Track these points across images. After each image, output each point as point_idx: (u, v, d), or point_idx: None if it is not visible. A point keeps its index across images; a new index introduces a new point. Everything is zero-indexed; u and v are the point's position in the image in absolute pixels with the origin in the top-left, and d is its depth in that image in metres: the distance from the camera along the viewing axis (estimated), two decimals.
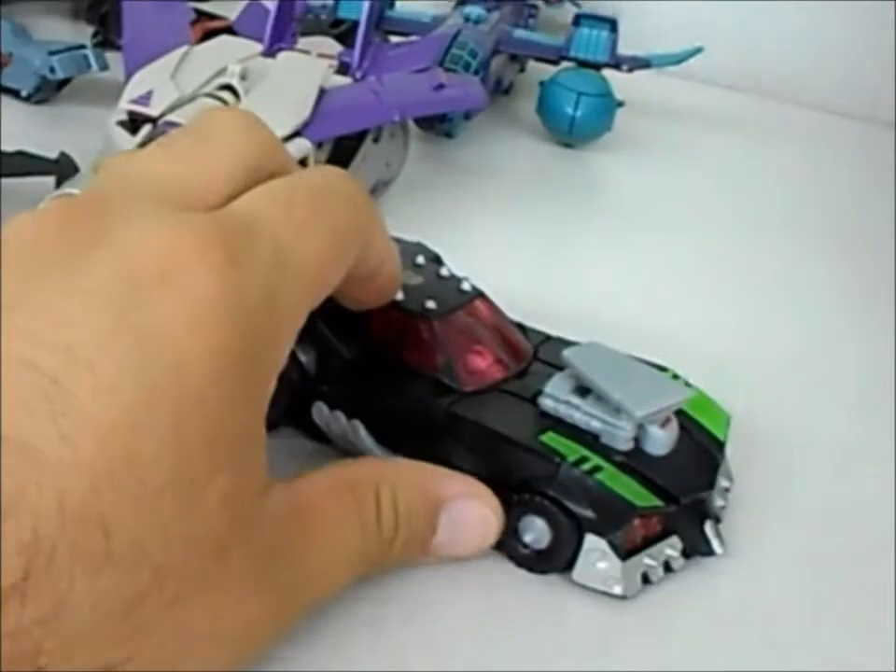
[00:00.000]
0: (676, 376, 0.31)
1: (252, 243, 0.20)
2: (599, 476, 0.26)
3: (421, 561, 0.26)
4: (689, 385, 0.30)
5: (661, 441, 0.27)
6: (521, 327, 0.32)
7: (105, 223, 0.19)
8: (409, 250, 0.31)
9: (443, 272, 0.31)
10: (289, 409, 0.28)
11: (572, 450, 0.26)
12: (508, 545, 0.27)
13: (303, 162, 0.39)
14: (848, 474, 0.33)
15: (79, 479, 0.16)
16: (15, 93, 0.52)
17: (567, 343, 0.30)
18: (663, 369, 0.30)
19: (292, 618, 0.22)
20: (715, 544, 0.28)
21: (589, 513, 0.26)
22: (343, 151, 0.42)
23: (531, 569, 0.27)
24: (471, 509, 0.25)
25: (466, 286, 0.31)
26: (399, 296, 0.29)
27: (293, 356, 0.28)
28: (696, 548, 0.28)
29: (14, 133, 0.45)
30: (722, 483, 0.29)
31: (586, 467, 0.26)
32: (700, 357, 0.34)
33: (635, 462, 0.27)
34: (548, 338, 0.32)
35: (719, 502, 0.29)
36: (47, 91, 0.52)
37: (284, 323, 0.20)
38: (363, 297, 0.27)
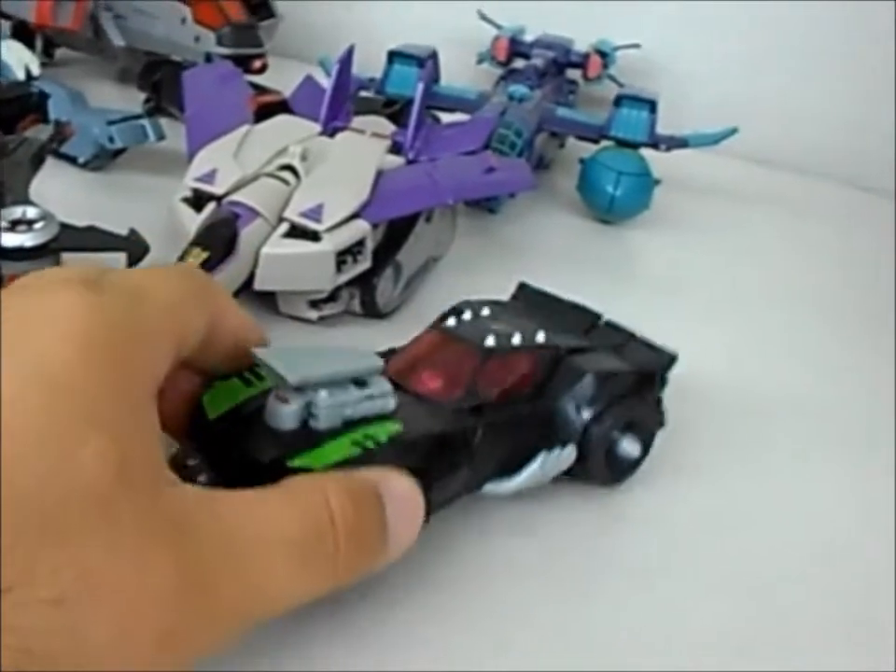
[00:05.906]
0: None
1: (109, 281, 0.25)
2: None
3: (379, 559, 0.27)
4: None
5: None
6: None
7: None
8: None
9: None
10: None
11: None
12: None
13: (361, 243, 0.40)
14: None
15: None
16: (71, 160, 0.53)
17: None
18: None
19: (215, 602, 0.22)
20: None
21: None
22: (397, 231, 0.43)
23: None
24: (399, 483, 0.27)
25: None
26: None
27: None
28: None
29: (71, 200, 0.45)
30: None
31: None
32: None
33: None
34: None
35: None
36: (103, 159, 0.53)
37: (148, 334, 0.25)
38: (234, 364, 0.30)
